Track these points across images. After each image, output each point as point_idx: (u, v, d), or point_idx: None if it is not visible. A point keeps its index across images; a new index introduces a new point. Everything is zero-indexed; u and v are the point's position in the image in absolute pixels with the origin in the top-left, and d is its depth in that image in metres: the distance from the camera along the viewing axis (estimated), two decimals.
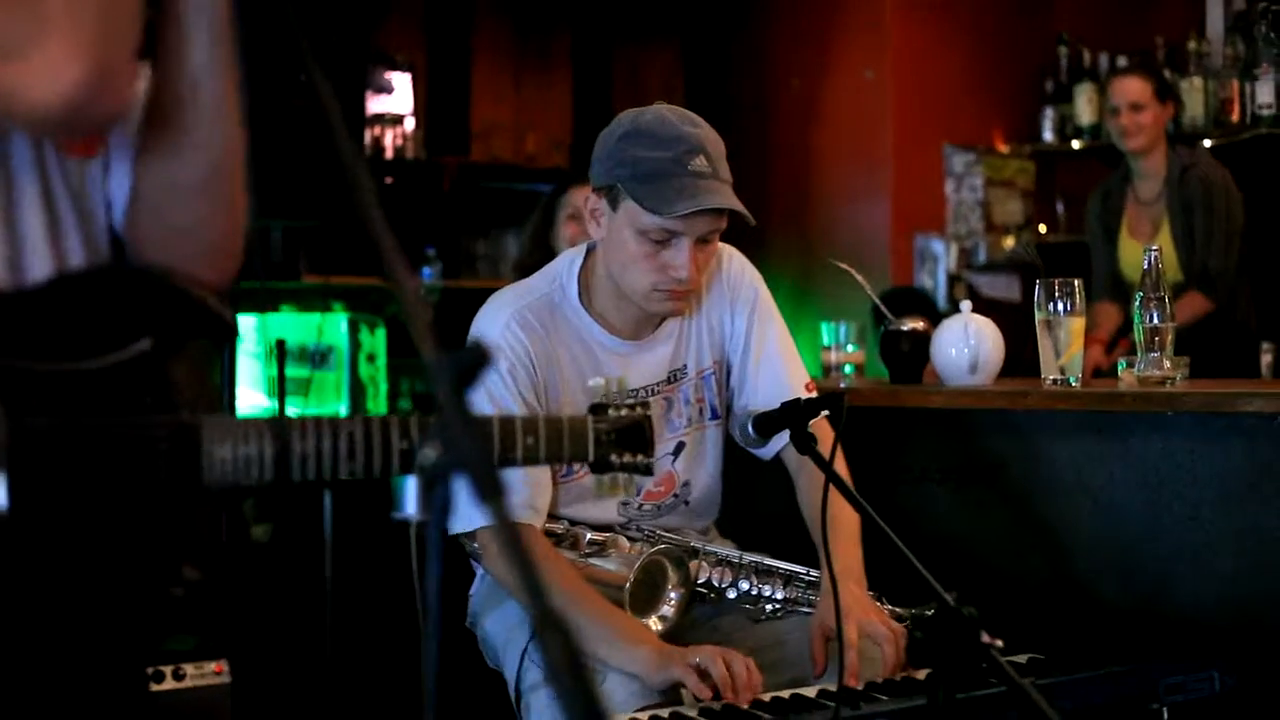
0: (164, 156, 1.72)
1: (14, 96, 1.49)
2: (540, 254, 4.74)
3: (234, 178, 1.78)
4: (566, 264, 3.14)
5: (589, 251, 3.12)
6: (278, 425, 1.77)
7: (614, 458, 2.12)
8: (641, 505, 3.14)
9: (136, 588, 1.63)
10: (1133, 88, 5.61)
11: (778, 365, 3.20)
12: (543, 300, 3.07)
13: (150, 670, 3.94)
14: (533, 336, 2.99)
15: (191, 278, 1.70)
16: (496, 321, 3.02)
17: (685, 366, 3.16)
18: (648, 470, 2.15)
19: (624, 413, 2.13)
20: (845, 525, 2.94)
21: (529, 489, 2.92)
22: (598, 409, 2.14)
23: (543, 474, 2.97)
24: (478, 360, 1.38)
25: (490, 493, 1.31)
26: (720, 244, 3.12)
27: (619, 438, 2.12)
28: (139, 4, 1.58)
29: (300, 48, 1.55)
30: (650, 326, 3.12)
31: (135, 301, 1.63)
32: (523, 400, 2.95)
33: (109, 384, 1.58)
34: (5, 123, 1.60)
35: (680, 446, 3.18)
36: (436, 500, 1.36)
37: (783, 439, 3.06)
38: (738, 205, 2.89)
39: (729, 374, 3.22)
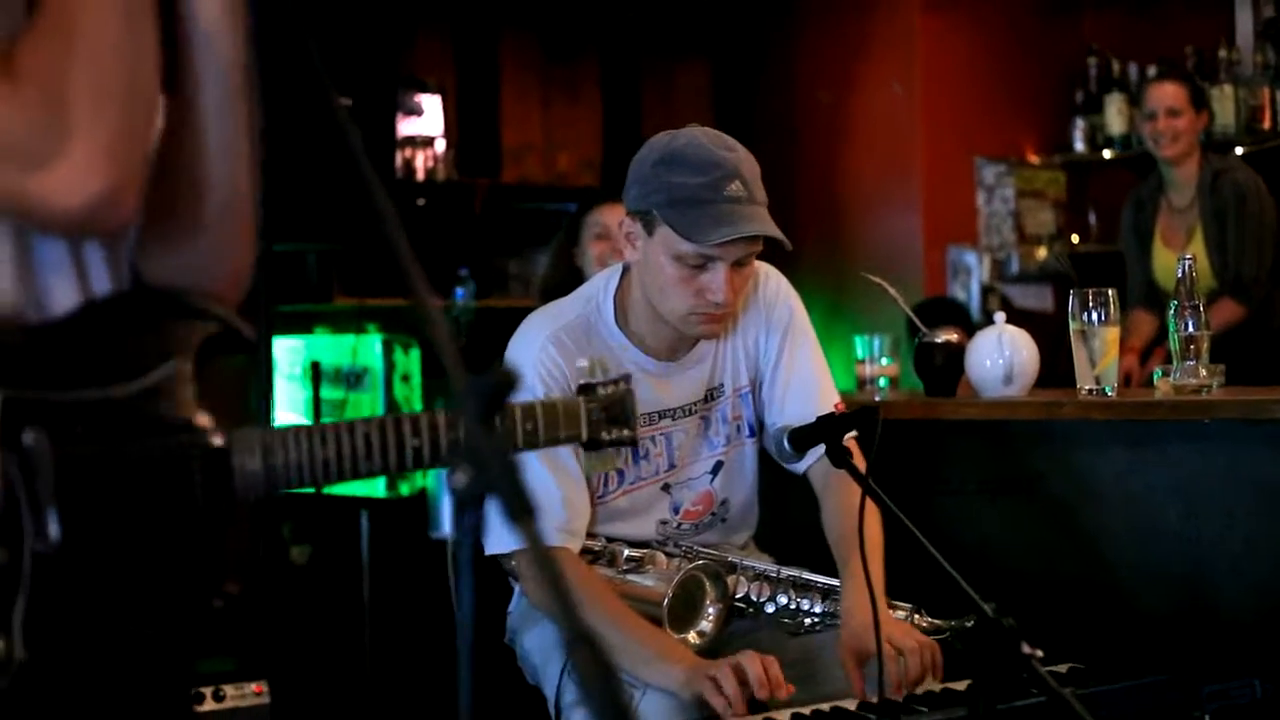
0: (174, 196, 1.73)
1: (34, 205, 1.48)
2: (566, 273, 4.75)
3: (244, 214, 1.79)
4: (602, 285, 3.14)
5: (624, 273, 3.12)
6: (302, 433, 1.81)
7: (604, 434, 2.15)
8: (680, 524, 3.14)
9: (180, 607, 1.64)
10: (1169, 93, 5.60)
11: (810, 384, 3.20)
12: (579, 321, 3.08)
13: (190, 692, 3.96)
14: (569, 358, 2.99)
15: (208, 296, 1.71)
16: (533, 344, 3.02)
17: (722, 385, 3.17)
18: (633, 443, 2.19)
19: (609, 390, 2.17)
20: (871, 542, 2.94)
21: (565, 511, 2.93)
22: (586, 388, 2.18)
23: (580, 495, 2.98)
24: (505, 383, 1.39)
25: (520, 514, 1.33)
26: (758, 262, 3.13)
27: (607, 415, 2.16)
28: (156, 99, 1.58)
29: (319, 75, 1.55)
30: (686, 347, 3.12)
31: (158, 323, 1.64)
32: None
33: (142, 408, 1.58)
34: (20, 223, 1.57)
35: (719, 465, 3.18)
36: (467, 523, 1.37)
37: (816, 453, 3.06)
38: (774, 231, 2.90)
39: (760, 389, 3.22)
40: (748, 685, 2.66)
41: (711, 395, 3.16)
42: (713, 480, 3.17)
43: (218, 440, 1.67)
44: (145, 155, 1.56)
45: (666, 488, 3.12)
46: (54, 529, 1.50)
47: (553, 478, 2.93)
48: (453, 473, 1.36)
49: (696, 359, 3.14)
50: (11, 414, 1.49)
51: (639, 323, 3.08)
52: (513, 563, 3.02)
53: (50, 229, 1.56)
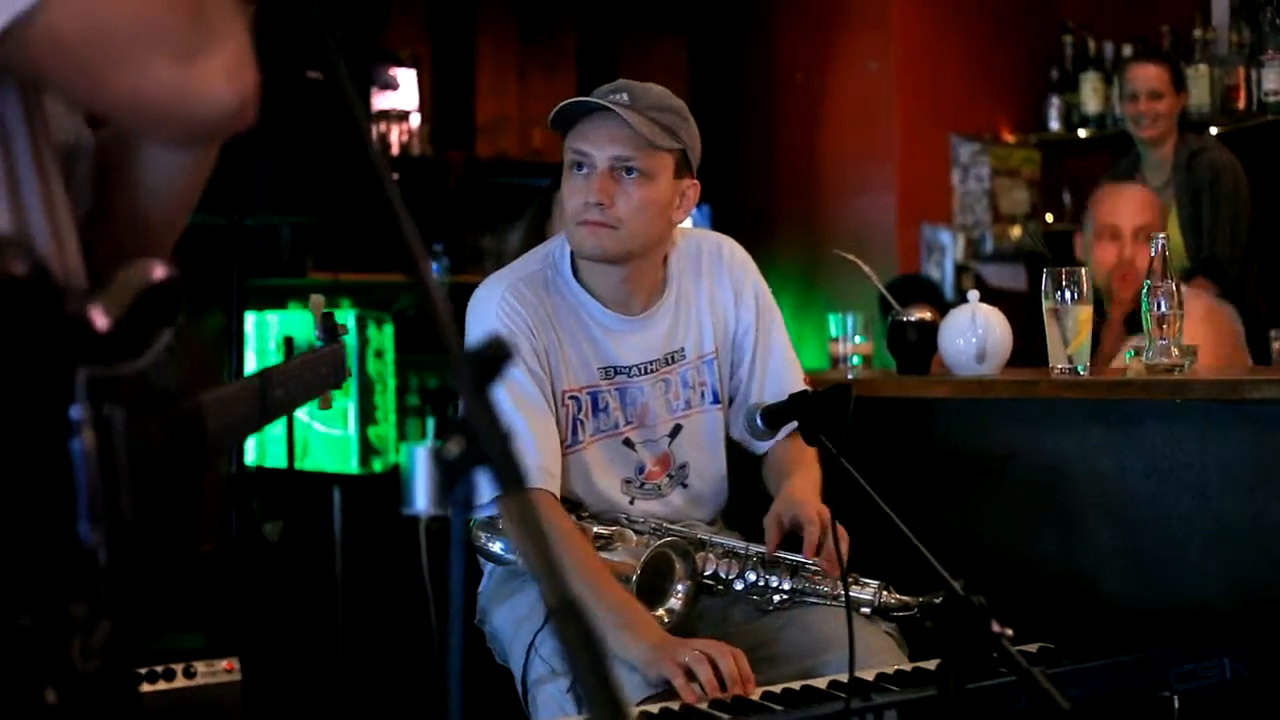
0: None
1: (185, 97, 1.52)
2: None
3: (183, 214, 1.86)
4: (559, 242, 3.17)
5: None
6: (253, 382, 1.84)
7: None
8: (644, 484, 3.15)
9: (168, 566, 1.64)
10: (1152, 75, 5.61)
11: (784, 369, 3.24)
12: (536, 276, 3.10)
13: (161, 668, 3.95)
14: (529, 307, 3.03)
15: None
16: (492, 296, 3.05)
17: (683, 349, 3.18)
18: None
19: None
20: (809, 462, 3.12)
21: (543, 454, 2.95)
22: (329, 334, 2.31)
23: (553, 434, 3.02)
24: (499, 354, 1.39)
25: (512, 486, 1.33)
26: (714, 233, 3.16)
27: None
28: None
29: (325, 45, 1.61)
30: (641, 302, 3.14)
31: (156, 295, 1.64)
32: (527, 367, 2.98)
33: (156, 376, 1.60)
34: (163, 124, 1.61)
35: (678, 429, 3.19)
36: (459, 494, 1.37)
37: (783, 433, 3.08)
38: (632, 120, 2.92)
39: (735, 367, 3.23)
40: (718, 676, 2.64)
41: (671, 358, 3.17)
42: (671, 443, 3.17)
43: (196, 400, 1.72)
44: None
45: (629, 443, 3.13)
46: (128, 504, 1.52)
47: (523, 415, 2.95)
48: (445, 443, 1.37)
49: (657, 318, 3.15)
50: (94, 392, 1.49)
51: (592, 275, 3.10)
52: (484, 537, 3.02)
53: (200, 123, 1.59)
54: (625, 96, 2.95)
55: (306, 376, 2.51)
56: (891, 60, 7.47)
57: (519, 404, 2.95)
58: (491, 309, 3.02)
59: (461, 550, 1.45)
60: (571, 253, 3.11)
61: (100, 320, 1.53)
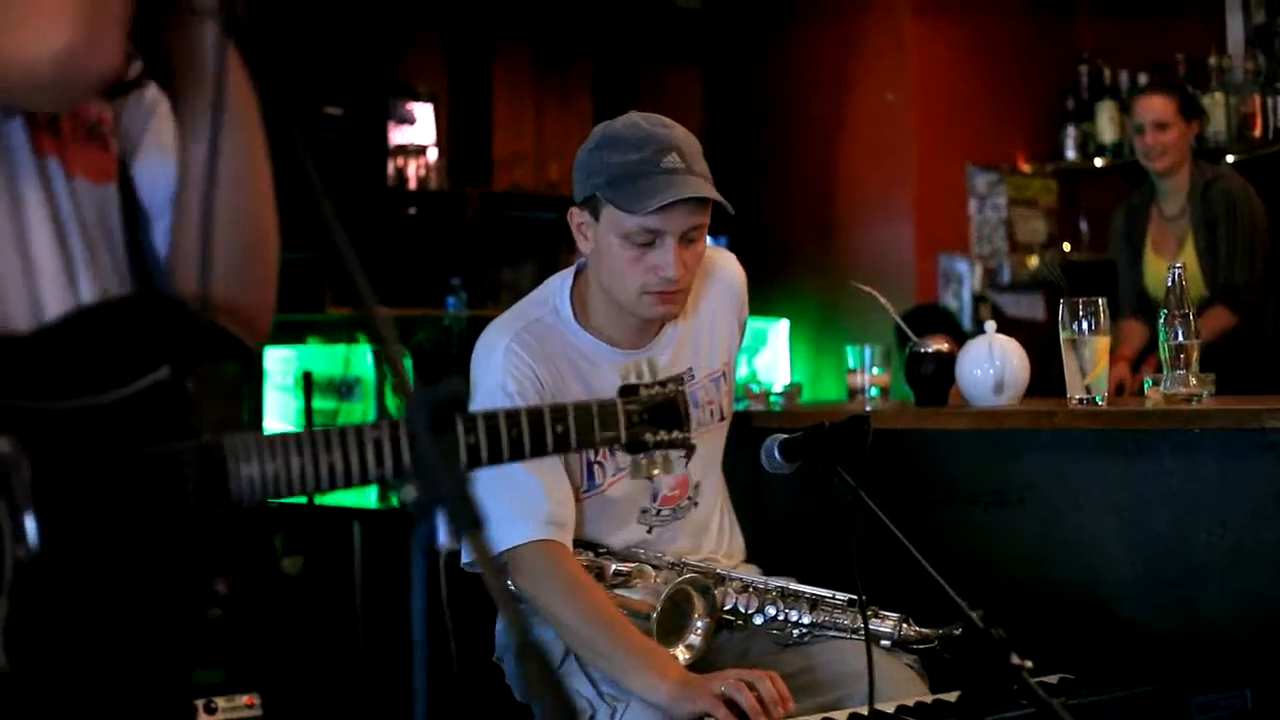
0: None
1: (11, 62, 1.52)
2: None
3: (267, 246, 1.81)
4: (557, 286, 3.15)
5: (578, 272, 3.13)
6: (304, 438, 1.79)
7: (649, 436, 2.10)
8: (660, 510, 3.14)
9: (172, 611, 1.64)
10: (1157, 106, 5.60)
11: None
12: (539, 323, 3.08)
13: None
14: (535, 356, 3.00)
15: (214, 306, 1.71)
16: (497, 347, 3.02)
17: (691, 369, 3.17)
18: (685, 445, 2.14)
19: (654, 390, 2.13)
20: None
21: (549, 502, 2.92)
22: (627, 390, 2.13)
23: (561, 483, 2.97)
24: (453, 395, 1.39)
25: (469, 526, 1.34)
26: (717, 249, 3.16)
27: (652, 416, 2.11)
28: None
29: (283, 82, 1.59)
30: (651, 334, 3.13)
31: (150, 330, 1.64)
32: None
33: (131, 414, 1.58)
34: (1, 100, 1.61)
35: (692, 450, 3.18)
36: (419, 537, 1.37)
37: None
38: (714, 194, 2.90)
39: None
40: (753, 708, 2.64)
41: (681, 380, 3.16)
42: (688, 464, 3.17)
43: (210, 443, 1.67)
44: (115, 19, 1.57)
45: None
46: (32, 535, 1.50)
47: (530, 467, 2.92)
48: (404, 486, 1.37)
49: (663, 345, 3.14)
50: None
51: (599, 316, 3.09)
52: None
53: (21, 94, 1.58)
54: (678, 159, 2.91)
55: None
56: (908, 91, 7.49)
57: (529, 461, 2.94)
58: (497, 360, 2.99)
59: (424, 594, 1.46)
60: (571, 294, 3.10)
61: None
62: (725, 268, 3.26)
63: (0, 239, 1.63)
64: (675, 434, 2.15)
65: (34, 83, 1.55)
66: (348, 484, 1.86)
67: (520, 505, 2.88)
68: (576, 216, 3.03)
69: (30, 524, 1.50)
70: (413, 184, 7.16)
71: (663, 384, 2.15)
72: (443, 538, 1.41)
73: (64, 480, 1.53)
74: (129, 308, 1.69)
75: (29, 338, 1.60)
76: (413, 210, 7.18)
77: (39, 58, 1.51)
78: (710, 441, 3.21)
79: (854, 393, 4.32)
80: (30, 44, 1.51)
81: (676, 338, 3.15)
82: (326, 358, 5.75)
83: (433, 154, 7.23)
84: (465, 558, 2.87)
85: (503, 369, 2.97)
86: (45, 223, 1.67)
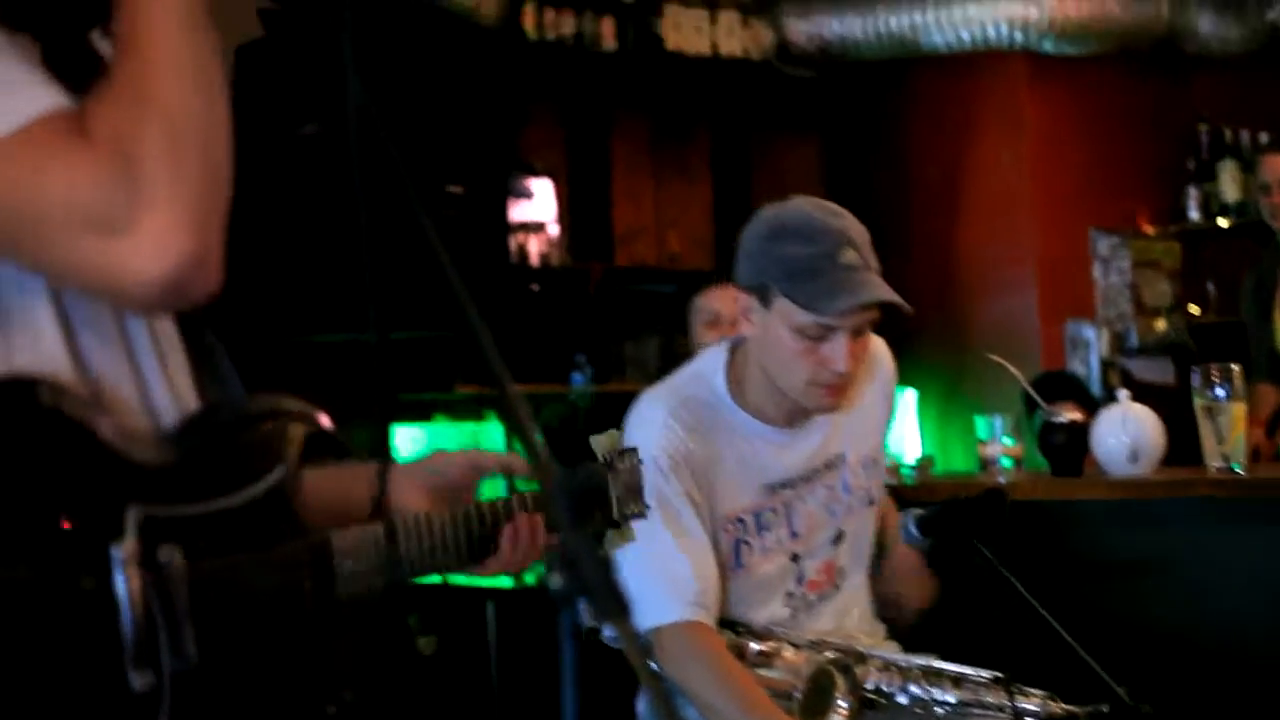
0: None
1: (114, 275, 1.42)
2: (674, 363, 4.76)
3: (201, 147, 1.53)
4: (712, 361, 3.15)
5: (733, 347, 3.13)
6: (389, 529, 1.78)
7: (625, 510, 2.10)
8: (806, 595, 3.13)
9: (300, 714, 1.63)
10: None
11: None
12: (694, 397, 3.08)
13: None
14: (690, 430, 3.00)
15: (306, 405, 1.70)
16: (654, 420, 3.03)
17: (843, 454, 3.16)
18: (643, 516, 2.11)
19: (626, 463, 2.11)
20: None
21: (697, 582, 2.92)
22: (608, 465, 2.12)
23: (709, 563, 2.97)
24: (594, 482, 1.37)
25: (614, 614, 1.33)
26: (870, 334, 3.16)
27: (626, 490, 2.10)
28: (230, 168, 1.51)
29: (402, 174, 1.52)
30: (805, 416, 3.12)
31: (262, 430, 1.63)
32: (689, 498, 2.96)
33: (257, 516, 1.58)
34: (94, 294, 1.53)
35: (840, 535, 3.17)
36: (566, 624, 1.37)
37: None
38: (894, 297, 2.89)
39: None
40: None
41: (831, 464, 3.15)
42: (835, 549, 3.15)
43: (319, 541, 1.68)
44: (223, 223, 1.49)
45: (795, 558, 3.11)
46: (191, 647, 1.50)
47: (679, 546, 2.93)
48: (549, 573, 1.37)
49: (816, 426, 3.13)
50: (148, 532, 1.48)
51: (755, 395, 3.08)
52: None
53: (129, 301, 1.52)
54: (855, 255, 2.90)
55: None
56: (1026, 156, 7.46)
57: (677, 535, 2.93)
58: (653, 434, 3.00)
59: (573, 684, 1.46)
60: (726, 369, 3.11)
61: (152, 458, 1.52)
62: (876, 352, 3.24)
63: (108, 345, 1.62)
64: (638, 508, 2.11)
65: (139, 294, 1.45)
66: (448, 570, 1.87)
67: (667, 584, 2.88)
68: (742, 301, 3.03)
69: (190, 636, 1.50)
70: (534, 260, 7.19)
71: (627, 452, 2.13)
72: (586, 618, 1.42)
73: (213, 587, 1.53)
74: (240, 409, 1.68)
75: (163, 442, 1.59)
76: (535, 286, 7.23)
77: (150, 272, 1.42)
78: (859, 526, 3.19)
79: (986, 464, 4.30)
80: (143, 254, 1.42)
81: (830, 420, 3.14)
82: (455, 436, 5.79)
83: (553, 230, 7.27)
84: (607, 633, 2.88)
85: (657, 443, 2.97)
86: (142, 325, 1.66)
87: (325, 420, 1.71)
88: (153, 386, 1.65)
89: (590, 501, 1.38)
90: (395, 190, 1.54)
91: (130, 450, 1.52)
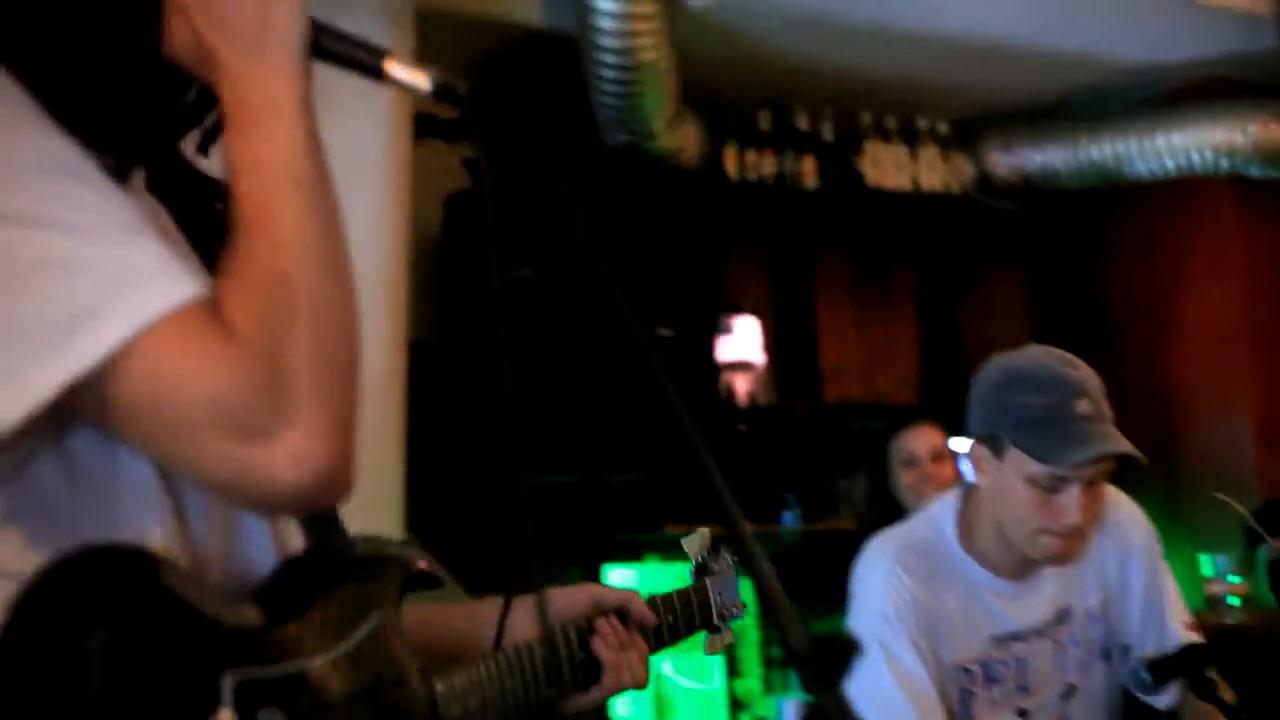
0: None
1: (250, 479, 1.38)
2: (881, 504, 4.74)
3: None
4: (943, 507, 3.15)
5: (965, 493, 3.13)
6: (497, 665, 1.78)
7: (725, 613, 2.11)
8: None
9: None
10: None
11: (1174, 609, 3.15)
12: (921, 543, 3.08)
13: None
14: (916, 580, 3.00)
15: (404, 547, 1.70)
16: (879, 566, 3.04)
17: (1070, 607, 3.12)
18: (743, 614, 2.20)
19: (721, 566, 2.12)
20: None
21: (919, 713, 2.91)
22: (701, 569, 2.13)
23: (936, 712, 2.95)
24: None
25: None
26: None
27: (723, 595, 2.14)
28: (362, 364, 1.46)
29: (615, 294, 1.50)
30: (1035, 567, 3.10)
31: (356, 579, 1.63)
32: (913, 645, 2.95)
33: (355, 665, 1.56)
34: (225, 495, 1.47)
35: (1071, 690, 3.12)
36: None
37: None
38: (1130, 449, 2.87)
39: (1123, 620, 3.16)
40: None
41: (1062, 617, 3.12)
42: (1065, 705, 3.11)
43: (430, 688, 1.66)
44: (356, 426, 1.44)
45: (1023, 714, 3.08)
46: None
47: (905, 695, 2.92)
48: None
49: (1045, 578, 3.10)
50: (245, 697, 1.43)
51: (985, 544, 3.07)
52: None
53: (261, 507, 1.49)
54: (1089, 406, 2.89)
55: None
56: (1236, 281, 7.35)
57: (904, 687, 2.92)
58: (879, 582, 3.01)
59: None
60: (958, 516, 3.10)
61: (247, 618, 1.49)
62: (1111, 504, 3.18)
63: (211, 503, 1.59)
64: (738, 608, 2.18)
65: (278, 499, 1.41)
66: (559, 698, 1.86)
67: None
68: (975, 450, 3.02)
69: None
70: (742, 399, 7.22)
71: (718, 552, 2.16)
72: None
73: None
74: (327, 558, 1.66)
75: (259, 595, 1.57)
76: (742, 427, 7.25)
77: (291, 480, 1.38)
78: (1093, 681, 3.14)
79: (1213, 602, 4.22)
80: (286, 460, 1.38)
81: (1061, 572, 3.12)
82: (665, 576, 5.81)
83: (760, 368, 7.30)
84: None
85: (883, 591, 2.98)
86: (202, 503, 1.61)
87: (423, 564, 1.70)
88: (252, 536, 1.63)
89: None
90: (621, 332, 1.52)
91: (224, 614, 1.47)
